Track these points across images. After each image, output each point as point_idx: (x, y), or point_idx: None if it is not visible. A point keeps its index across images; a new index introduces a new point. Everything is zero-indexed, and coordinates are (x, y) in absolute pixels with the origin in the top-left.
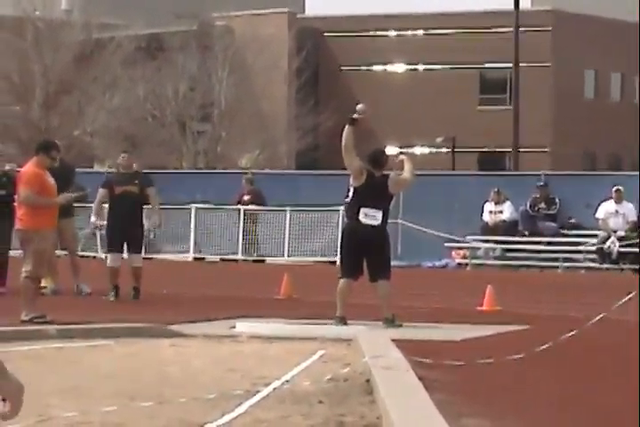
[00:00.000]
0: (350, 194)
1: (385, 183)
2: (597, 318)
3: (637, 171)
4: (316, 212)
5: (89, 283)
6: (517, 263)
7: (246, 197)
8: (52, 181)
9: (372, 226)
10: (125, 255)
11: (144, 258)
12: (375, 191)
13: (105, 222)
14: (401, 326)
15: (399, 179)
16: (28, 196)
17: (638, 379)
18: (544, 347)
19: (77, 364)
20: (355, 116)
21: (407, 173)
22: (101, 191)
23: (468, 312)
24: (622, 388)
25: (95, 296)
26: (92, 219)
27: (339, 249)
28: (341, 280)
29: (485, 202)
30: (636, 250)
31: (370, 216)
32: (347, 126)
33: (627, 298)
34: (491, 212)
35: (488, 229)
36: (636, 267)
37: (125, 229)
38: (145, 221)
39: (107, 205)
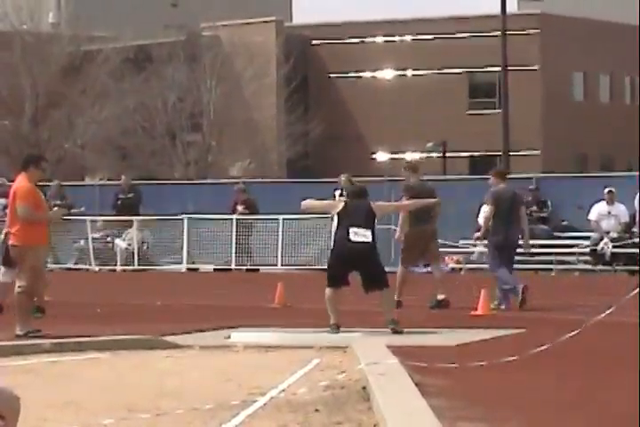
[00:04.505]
0: (335, 220)
1: (368, 206)
2: (595, 319)
3: (629, 172)
4: (308, 220)
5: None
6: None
7: (240, 207)
8: (42, 195)
9: (364, 242)
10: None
11: (137, 270)
12: (358, 212)
13: None
14: (402, 332)
15: (383, 205)
16: (27, 211)
17: (638, 379)
18: (541, 349)
19: (73, 377)
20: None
21: (395, 205)
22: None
23: (463, 317)
24: (620, 390)
25: (89, 309)
26: None
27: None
28: (328, 289)
29: (482, 204)
30: (629, 251)
31: (360, 235)
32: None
33: (611, 308)
34: None
35: (485, 232)
36: (630, 268)
37: None
38: (137, 234)
39: None
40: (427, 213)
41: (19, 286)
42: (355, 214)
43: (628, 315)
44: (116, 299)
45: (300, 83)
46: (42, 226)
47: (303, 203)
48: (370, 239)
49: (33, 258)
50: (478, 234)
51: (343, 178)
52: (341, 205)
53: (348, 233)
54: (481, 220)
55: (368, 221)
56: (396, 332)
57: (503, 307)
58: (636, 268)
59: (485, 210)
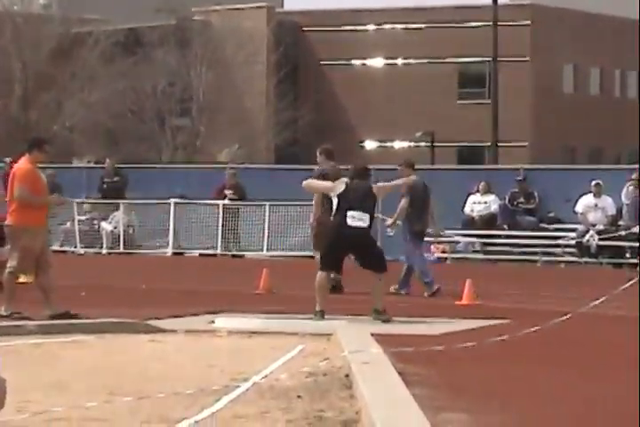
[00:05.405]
0: (335, 202)
1: (368, 187)
2: (587, 307)
3: (617, 165)
4: (295, 206)
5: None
6: (497, 257)
7: (228, 192)
8: (44, 178)
9: (360, 227)
10: None
11: (123, 253)
12: (358, 194)
13: None
14: (389, 320)
15: (384, 186)
16: (23, 193)
17: (638, 377)
18: (531, 330)
19: (57, 359)
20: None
21: (390, 184)
22: None
23: (448, 307)
24: (608, 382)
25: (74, 292)
26: None
27: (321, 244)
28: (320, 273)
29: (470, 194)
30: (615, 244)
31: (357, 219)
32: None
33: (601, 299)
34: (476, 202)
35: (471, 222)
36: (615, 261)
37: None
38: (123, 217)
39: None
40: None
41: (9, 266)
42: (354, 196)
43: (619, 308)
44: (100, 282)
45: (290, 69)
46: (39, 208)
47: (304, 182)
48: (367, 224)
49: (26, 239)
50: (391, 221)
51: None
52: (342, 187)
53: (346, 218)
54: (468, 209)
55: (367, 203)
56: (384, 321)
57: (403, 292)
58: (622, 261)
59: (402, 201)
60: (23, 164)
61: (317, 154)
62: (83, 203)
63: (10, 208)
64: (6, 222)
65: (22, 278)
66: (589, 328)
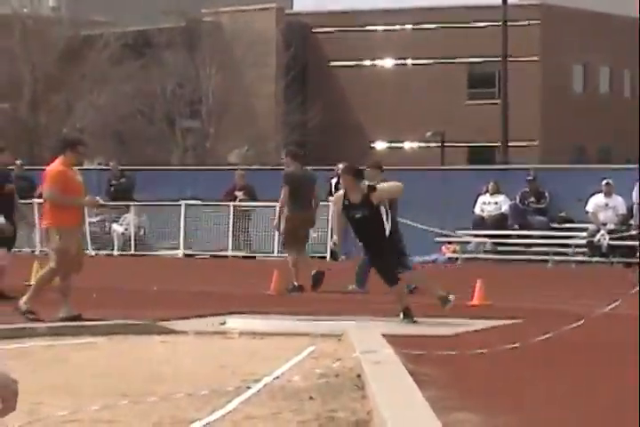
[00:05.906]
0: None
1: None
2: (600, 311)
3: (627, 164)
4: None
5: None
6: (508, 257)
7: (239, 193)
8: (79, 179)
9: None
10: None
11: (134, 255)
12: None
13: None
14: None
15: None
16: (52, 194)
17: (639, 376)
18: (544, 337)
19: (68, 361)
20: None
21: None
22: None
23: (459, 307)
24: (615, 383)
25: (85, 294)
26: None
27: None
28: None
29: (479, 195)
30: (626, 243)
31: None
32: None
33: (614, 304)
34: (486, 203)
35: (481, 223)
36: (626, 260)
37: None
38: (134, 219)
39: None
40: (307, 199)
41: (49, 267)
42: None
43: (631, 308)
44: (112, 284)
45: (299, 70)
46: (71, 209)
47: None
48: None
49: (59, 240)
50: None
51: (341, 166)
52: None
53: None
54: (478, 209)
55: None
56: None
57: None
58: (633, 260)
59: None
60: (55, 165)
61: (284, 156)
62: None
63: (43, 210)
64: (42, 224)
65: None
66: (600, 329)
